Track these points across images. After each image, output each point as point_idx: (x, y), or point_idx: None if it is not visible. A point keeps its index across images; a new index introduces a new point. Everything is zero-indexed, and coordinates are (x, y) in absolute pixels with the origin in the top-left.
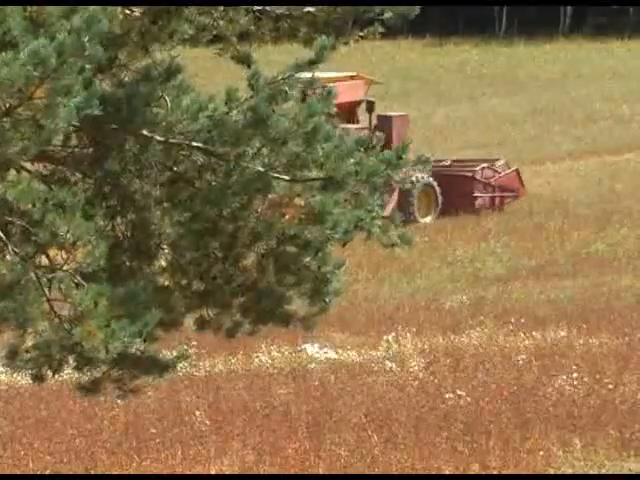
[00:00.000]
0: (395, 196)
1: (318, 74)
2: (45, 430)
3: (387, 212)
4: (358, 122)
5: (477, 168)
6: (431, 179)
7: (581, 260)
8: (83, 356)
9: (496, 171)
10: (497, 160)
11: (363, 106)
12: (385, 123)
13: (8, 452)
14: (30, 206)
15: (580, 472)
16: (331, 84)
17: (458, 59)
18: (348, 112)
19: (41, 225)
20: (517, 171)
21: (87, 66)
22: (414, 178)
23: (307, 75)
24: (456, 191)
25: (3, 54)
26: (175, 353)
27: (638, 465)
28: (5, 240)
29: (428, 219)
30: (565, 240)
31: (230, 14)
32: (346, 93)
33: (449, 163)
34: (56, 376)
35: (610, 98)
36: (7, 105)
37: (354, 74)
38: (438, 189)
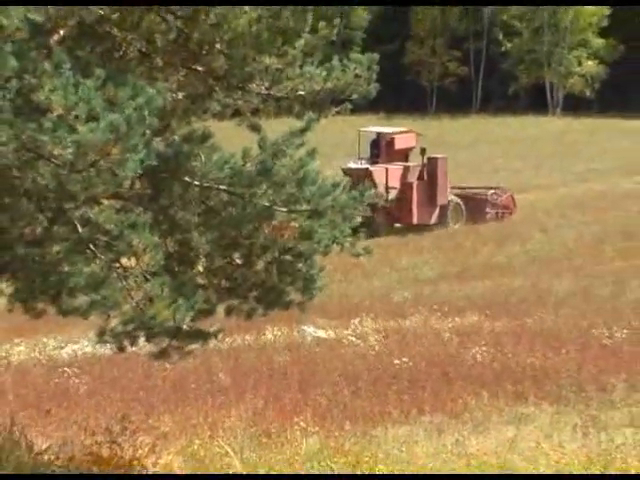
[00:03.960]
0: (437, 210)
1: (384, 129)
2: (117, 385)
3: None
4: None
5: (489, 193)
6: (459, 200)
7: (487, 268)
8: (152, 331)
9: (499, 195)
10: (499, 188)
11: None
12: (432, 162)
13: (92, 401)
14: (112, 226)
15: (486, 414)
16: (397, 136)
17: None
18: (404, 155)
19: (119, 240)
20: (512, 195)
21: (147, 131)
22: (450, 198)
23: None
24: (475, 208)
25: (89, 124)
26: (214, 328)
27: (527, 409)
28: (94, 250)
29: (457, 226)
30: (476, 254)
31: (245, 96)
32: (403, 142)
33: (466, 189)
34: (132, 347)
35: (508, 156)
36: (92, 159)
37: (408, 129)
38: (463, 207)
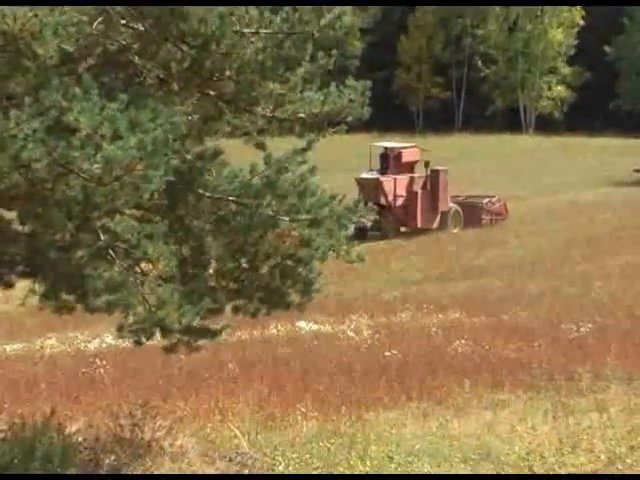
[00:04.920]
0: (439, 216)
1: (393, 145)
2: (138, 375)
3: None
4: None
5: (484, 201)
6: (459, 207)
7: (468, 270)
8: (164, 328)
9: (493, 203)
10: (494, 196)
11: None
12: (435, 174)
13: (116, 389)
14: (130, 236)
15: (466, 400)
16: (404, 150)
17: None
18: (410, 167)
19: (137, 247)
20: (505, 203)
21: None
22: (450, 206)
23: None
24: (472, 214)
25: (117, 142)
26: (221, 325)
27: (504, 396)
28: (114, 257)
29: (456, 230)
30: (458, 258)
31: (252, 118)
32: (410, 156)
33: (464, 197)
34: (148, 341)
35: (486, 170)
36: (118, 174)
37: (414, 145)
38: (462, 213)
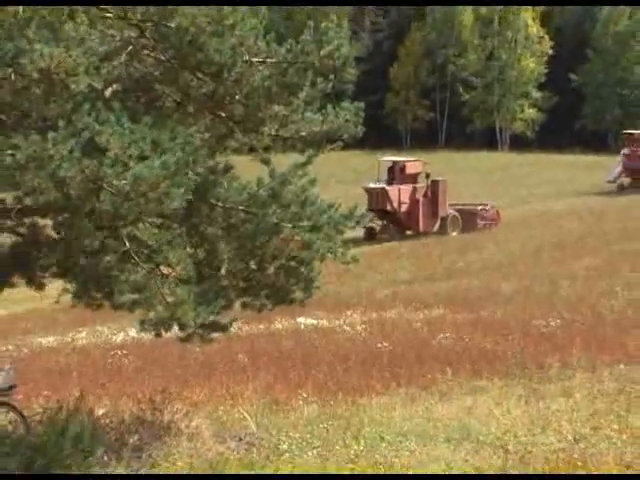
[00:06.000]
0: (439, 221)
1: (398, 158)
2: (158, 364)
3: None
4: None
5: (479, 208)
6: (456, 213)
7: (451, 272)
8: (181, 323)
9: (487, 210)
10: (487, 204)
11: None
12: (435, 183)
13: (139, 376)
14: (152, 242)
15: (449, 387)
16: (408, 163)
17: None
18: (413, 178)
19: (158, 253)
20: (497, 210)
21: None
22: (449, 212)
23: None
24: (468, 220)
25: (146, 162)
26: (229, 319)
27: (482, 383)
28: (138, 261)
29: (454, 234)
30: (442, 260)
31: (259, 136)
32: (413, 168)
33: (462, 205)
34: (167, 334)
35: (467, 183)
36: (144, 190)
37: (416, 159)
38: (460, 218)
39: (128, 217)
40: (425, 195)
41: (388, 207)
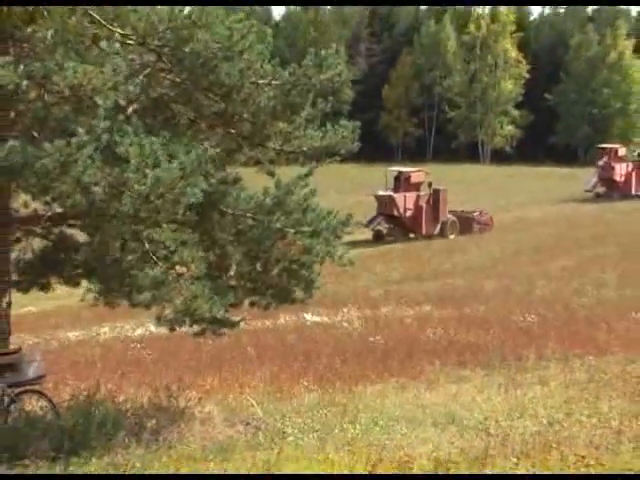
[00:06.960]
0: (439, 225)
1: (404, 169)
2: (174, 356)
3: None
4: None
5: (475, 214)
6: (455, 218)
7: (438, 272)
8: (196, 318)
9: (482, 215)
10: (481, 210)
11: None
12: (436, 192)
13: (157, 367)
14: (169, 242)
15: (436, 376)
16: (412, 174)
17: (379, 173)
18: (417, 186)
19: (174, 253)
20: (491, 216)
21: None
22: (448, 217)
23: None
24: (465, 224)
25: (163, 166)
26: (239, 317)
27: (466, 372)
28: (156, 260)
29: (452, 236)
30: (430, 262)
31: (264, 151)
32: (417, 177)
33: (460, 211)
34: (181, 329)
35: (453, 193)
36: (162, 192)
37: (419, 169)
38: (458, 223)
39: (147, 220)
40: (428, 202)
41: (395, 212)
